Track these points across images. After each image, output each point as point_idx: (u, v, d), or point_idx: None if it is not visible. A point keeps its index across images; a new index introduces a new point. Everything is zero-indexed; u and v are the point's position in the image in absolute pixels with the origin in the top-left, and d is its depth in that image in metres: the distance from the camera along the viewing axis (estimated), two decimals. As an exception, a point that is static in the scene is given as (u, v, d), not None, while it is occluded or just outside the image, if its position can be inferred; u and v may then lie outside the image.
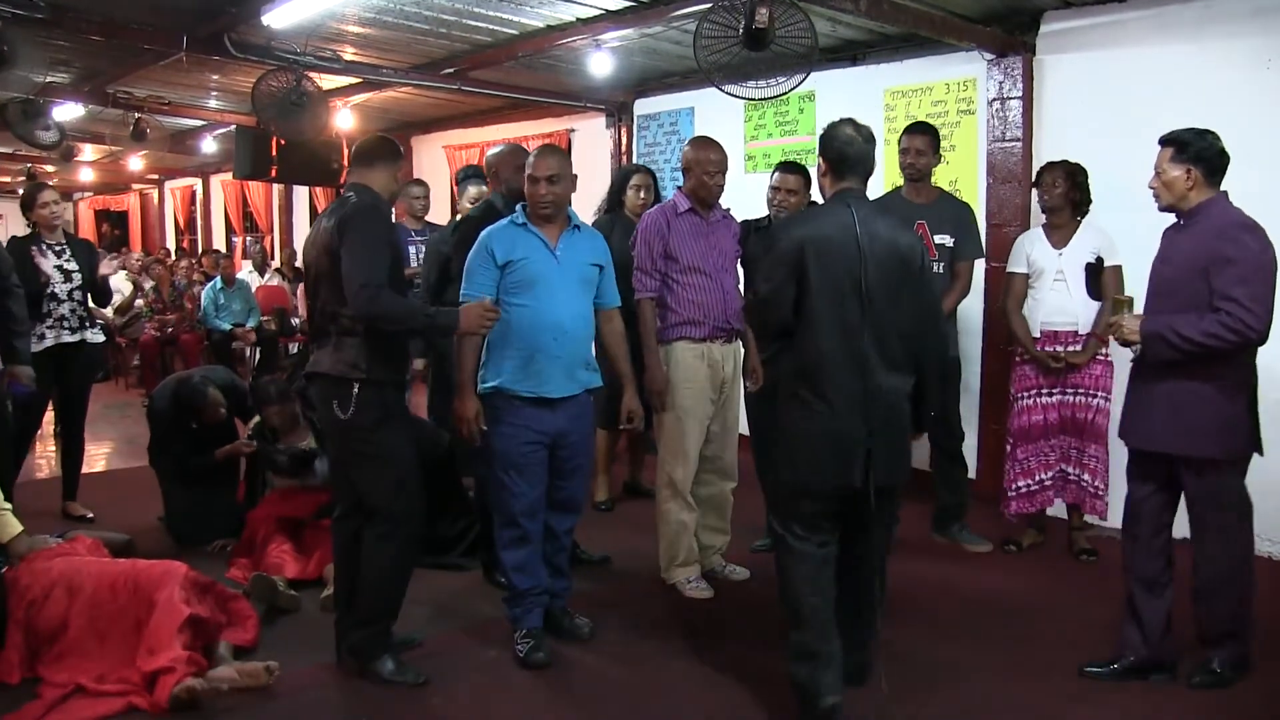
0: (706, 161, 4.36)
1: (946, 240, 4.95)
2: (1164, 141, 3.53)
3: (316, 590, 4.33)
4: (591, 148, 8.58)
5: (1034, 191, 5.03)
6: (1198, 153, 3.43)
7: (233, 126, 8.75)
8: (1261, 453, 3.53)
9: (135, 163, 13.65)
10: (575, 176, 3.87)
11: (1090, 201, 4.88)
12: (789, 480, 3.22)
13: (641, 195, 5.43)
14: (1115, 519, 5.18)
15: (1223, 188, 3.59)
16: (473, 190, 5.33)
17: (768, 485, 3.85)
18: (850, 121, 3.46)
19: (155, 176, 16.62)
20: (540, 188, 3.72)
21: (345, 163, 7.82)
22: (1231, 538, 3.49)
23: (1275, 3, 4.80)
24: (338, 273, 3.34)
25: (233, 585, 4.28)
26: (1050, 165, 4.90)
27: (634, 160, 8.27)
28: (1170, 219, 3.61)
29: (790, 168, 4.81)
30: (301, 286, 10.08)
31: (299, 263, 12.57)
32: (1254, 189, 4.86)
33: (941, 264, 4.92)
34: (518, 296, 3.69)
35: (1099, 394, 4.80)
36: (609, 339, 4.04)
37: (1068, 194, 4.82)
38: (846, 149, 3.40)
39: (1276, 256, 3.33)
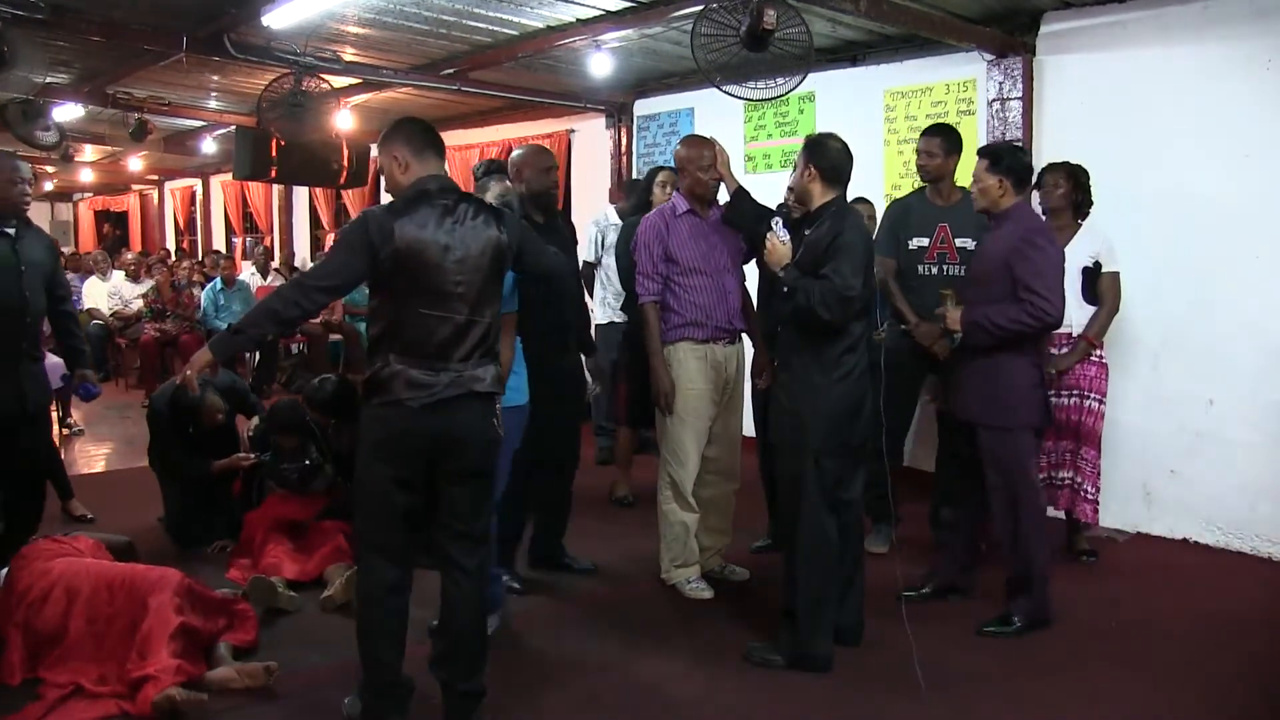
0: (699, 158, 4.35)
1: (968, 244, 4.79)
2: (981, 154, 4.08)
3: (316, 591, 4.32)
4: (591, 148, 8.58)
5: (1035, 193, 5.01)
6: (1009, 166, 3.99)
7: (233, 127, 8.74)
8: (1051, 423, 4.20)
9: (135, 163, 13.65)
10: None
11: (1092, 203, 4.86)
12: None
13: (668, 192, 5.40)
14: (1113, 520, 5.24)
15: (1205, 185, 4.77)
16: (495, 187, 5.29)
17: (772, 485, 3.89)
18: (835, 135, 3.86)
19: (155, 177, 16.61)
20: None
21: (345, 163, 7.82)
22: (1023, 499, 3.96)
23: (1275, 4, 4.80)
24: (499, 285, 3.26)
25: (232, 586, 4.28)
26: (1052, 166, 4.88)
27: (634, 161, 8.28)
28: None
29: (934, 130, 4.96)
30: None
31: (298, 262, 12.63)
32: (1254, 188, 4.91)
33: (962, 267, 4.76)
34: None
35: (1092, 395, 4.79)
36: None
37: (1069, 195, 4.81)
38: (840, 161, 3.78)
39: (1063, 254, 4.03)
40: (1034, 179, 4.91)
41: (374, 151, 8.66)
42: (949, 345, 4.07)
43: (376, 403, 3.07)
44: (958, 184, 4.94)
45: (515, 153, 4.53)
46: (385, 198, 6.42)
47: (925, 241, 4.87)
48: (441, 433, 3.07)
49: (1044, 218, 4.87)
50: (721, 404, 4.44)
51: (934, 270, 4.87)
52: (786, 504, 3.80)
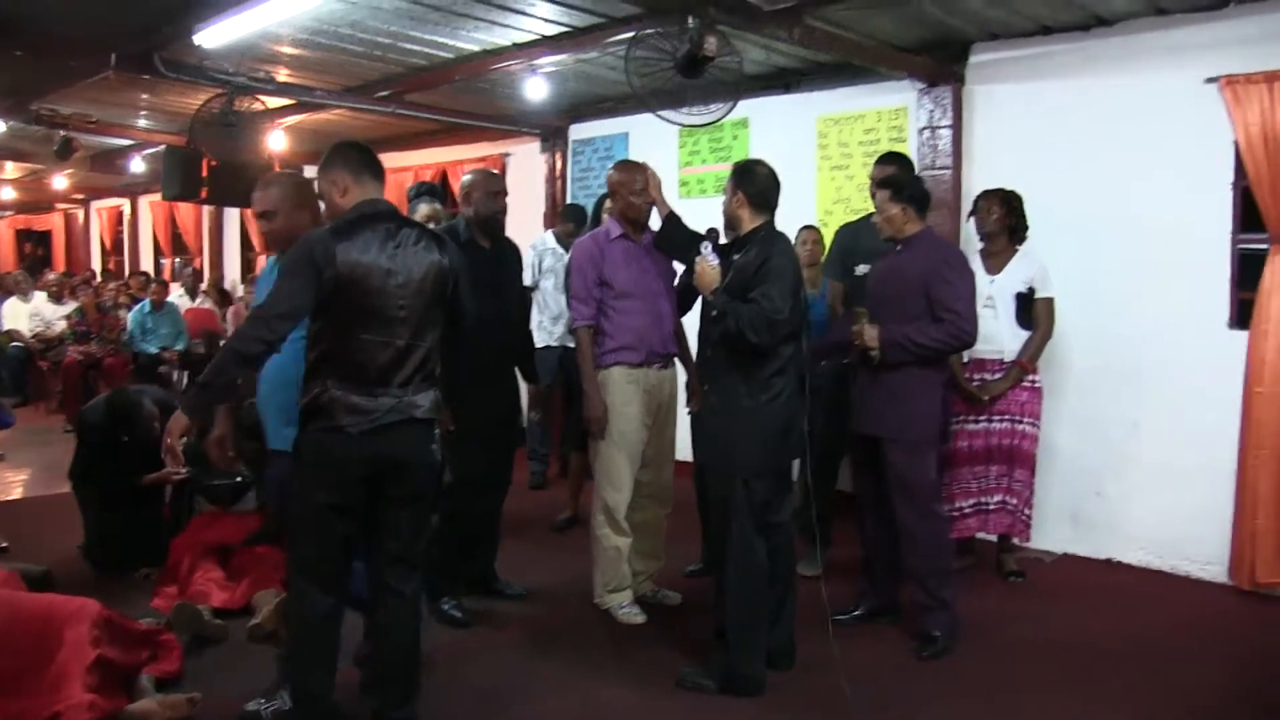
0: (631, 182, 4.39)
1: None
2: (882, 185, 4.23)
3: (244, 619, 4.22)
4: (527, 172, 8.55)
5: (971, 219, 5.10)
6: (910, 194, 4.14)
7: (162, 146, 8.59)
8: (948, 440, 4.52)
9: (60, 181, 13.34)
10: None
11: (1027, 228, 4.95)
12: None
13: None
14: (1040, 541, 5.31)
15: (1130, 211, 5.10)
16: (424, 209, 5.24)
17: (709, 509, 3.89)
18: (761, 161, 3.94)
19: (81, 196, 16.25)
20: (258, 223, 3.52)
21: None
22: (927, 513, 4.08)
23: (1188, 39, 4.96)
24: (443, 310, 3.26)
25: (156, 616, 4.16)
26: (986, 193, 4.98)
27: (568, 185, 8.28)
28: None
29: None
30: (233, 309, 9.93)
31: (228, 285, 12.43)
32: (1177, 213, 5.05)
33: None
34: None
35: (1026, 420, 4.86)
36: None
37: (1003, 221, 4.91)
38: (768, 187, 3.86)
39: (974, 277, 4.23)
40: (973, 206, 5.06)
41: (308, 173, 8.61)
42: (875, 360, 4.09)
43: (315, 428, 3.05)
44: None
45: (465, 177, 4.53)
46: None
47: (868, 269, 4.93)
48: (382, 458, 3.07)
49: (982, 243, 4.98)
50: (654, 428, 4.44)
51: None
52: (717, 527, 3.81)
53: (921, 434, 4.07)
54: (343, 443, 3.01)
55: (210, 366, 2.94)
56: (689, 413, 4.45)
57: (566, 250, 6.18)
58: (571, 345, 5.30)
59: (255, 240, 12.41)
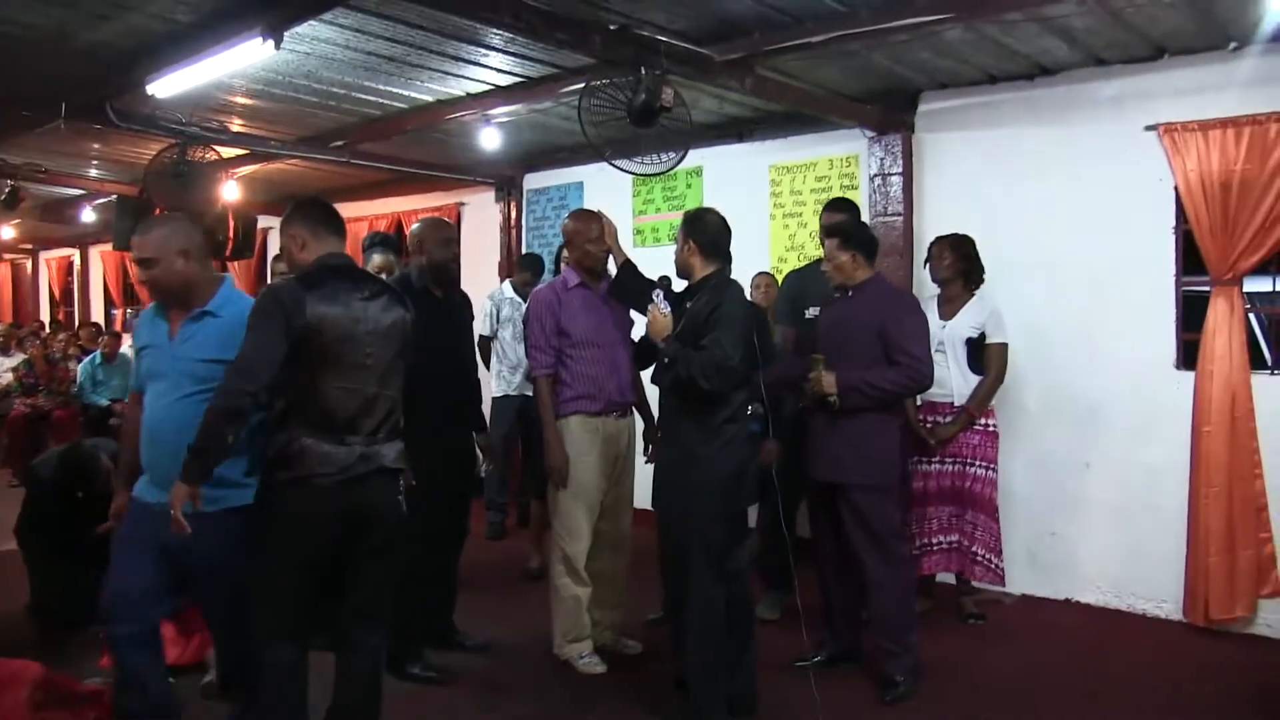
0: (586, 230, 4.41)
1: None
2: (829, 233, 4.28)
3: (197, 675, 4.13)
4: (481, 221, 8.56)
5: (927, 265, 5.16)
6: (859, 241, 4.18)
7: (114, 196, 8.50)
8: (909, 484, 4.71)
9: (7, 231, 13.15)
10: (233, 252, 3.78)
11: (982, 273, 5.00)
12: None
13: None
14: (1015, 584, 5.31)
15: (1077, 255, 5.26)
16: (378, 259, 5.21)
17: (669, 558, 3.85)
18: (712, 210, 3.99)
19: (29, 246, 16.03)
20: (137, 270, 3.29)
21: (231, 235, 7.65)
22: (892, 556, 4.07)
23: (1131, 89, 5.09)
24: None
25: (105, 675, 4.02)
26: (939, 239, 5.05)
27: (524, 234, 8.29)
28: None
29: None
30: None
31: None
32: (1120, 256, 5.14)
33: None
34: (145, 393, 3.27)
35: (978, 463, 4.89)
36: None
37: (955, 266, 4.96)
38: (718, 235, 3.88)
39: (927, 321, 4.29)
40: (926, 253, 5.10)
41: (261, 223, 8.55)
42: (834, 406, 4.08)
43: (284, 479, 3.02)
44: None
45: (415, 225, 4.52)
46: (271, 268, 6.29)
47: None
48: (354, 510, 3.08)
49: (939, 289, 5.02)
50: (613, 477, 4.43)
51: None
52: (673, 574, 3.79)
53: (882, 477, 4.07)
54: (313, 494, 3.00)
55: (201, 431, 2.88)
56: (646, 461, 4.44)
57: (524, 300, 6.17)
58: (530, 394, 5.28)
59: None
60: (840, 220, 4.59)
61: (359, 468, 3.06)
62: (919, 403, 4.93)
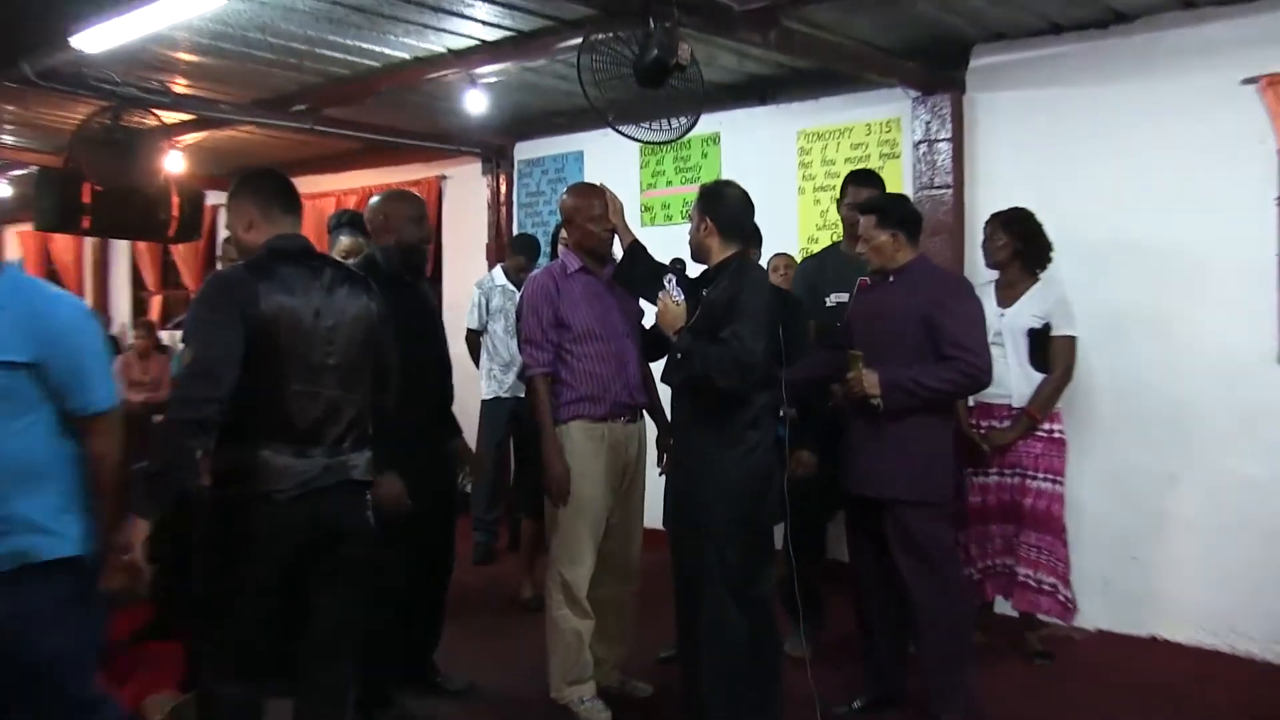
0: (587, 207, 4.38)
1: None
2: (865, 210, 4.23)
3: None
4: (466, 197, 8.57)
5: (982, 245, 5.13)
6: (899, 218, 4.15)
7: (34, 168, 8.47)
8: (963, 498, 4.55)
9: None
10: None
11: (1048, 253, 4.95)
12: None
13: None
14: (1088, 618, 5.25)
15: (1159, 233, 5.16)
16: (345, 241, 5.18)
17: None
18: (732, 183, 4.03)
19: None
20: None
21: (175, 213, 7.62)
22: (945, 581, 4.04)
23: (1221, 35, 5.02)
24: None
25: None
26: (994, 216, 5.02)
27: (514, 212, 8.28)
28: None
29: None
30: (121, 359, 9.76)
31: (116, 329, 12.26)
32: (1214, 234, 5.08)
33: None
34: None
35: (1042, 475, 4.83)
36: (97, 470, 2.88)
37: (1011, 247, 4.91)
38: (739, 212, 3.94)
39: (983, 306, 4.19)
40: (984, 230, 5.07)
41: (210, 200, 8.51)
42: (878, 408, 4.03)
43: (235, 497, 3.04)
44: None
45: (375, 200, 4.48)
46: (222, 252, 6.27)
47: (845, 296, 4.93)
48: (316, 527, 3.10)
49: (997, 274, 4.99)
50: (621, 492, 4.41)
51: None
52: (686, 600, 3.78)
53: (935, 492, 4.04)
54: (270, 510, 3.02)
55: (159, 450, 2.88)
56: (660, 474, 4.41)
57: (517, 288, 6.16)
58: (524, 396, 5.26)
59: (148, 277, 12.30)
60: (874, 195, 4.59)
61: (323, 479, 3.09)
62: (971, 404, 4.91)
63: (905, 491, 4.00)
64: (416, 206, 4.42)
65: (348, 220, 5.44)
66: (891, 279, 4.15)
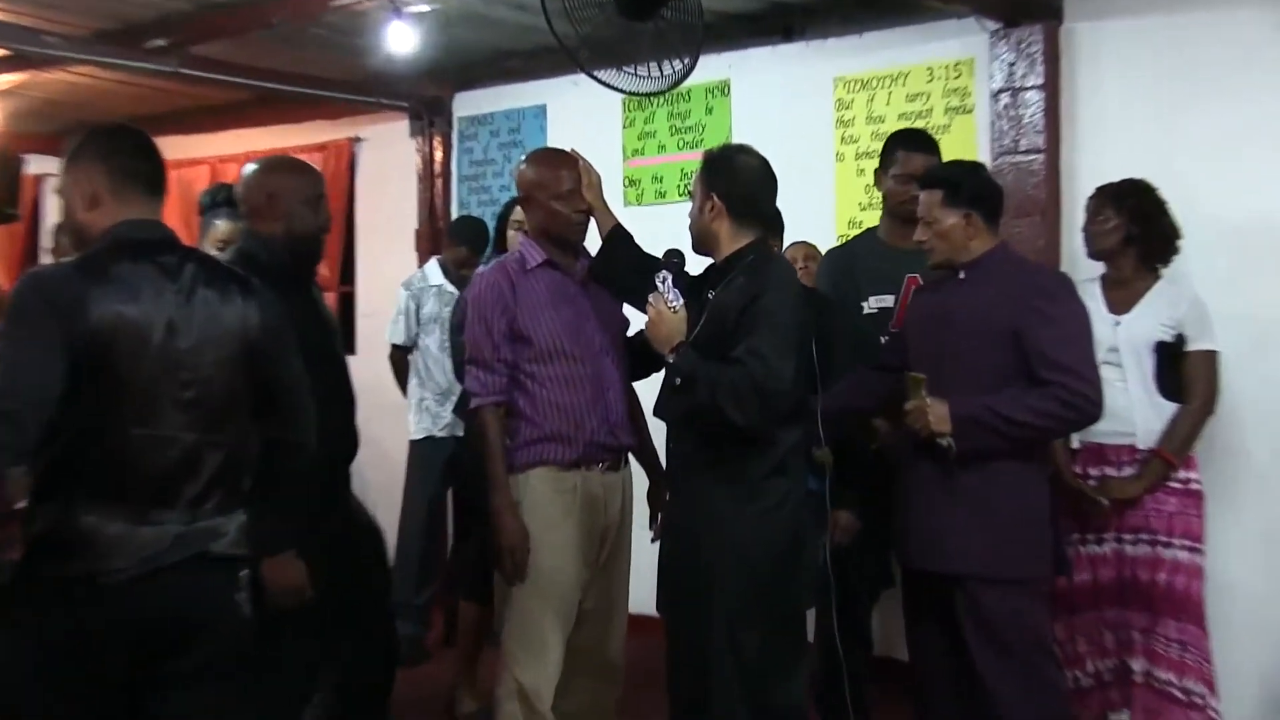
0: (554, 182, 4.36)
1: None
2: (927, 182, 4.28)
3: None
4: (388, 167, 8.59)
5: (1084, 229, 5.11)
6: (974, 193, 4.17)
7: None
8: (1067, 574, 4.39)
9: None
10: None
11: (1172, 240, 4.92)
12: None
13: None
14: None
15: None
16: (223, 226, 5.19)
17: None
18: (747, 149, 4.09)
19: None
20: None
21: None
22: (1037, 687, 4.03)
23: None
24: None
25: None
26: (1100, 190, 4.98)
27: (453, 185, 8.29)
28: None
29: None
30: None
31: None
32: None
33: None
34: None
35: (1176, 541, 4.76)
36: None
37: (1124, 231, 4.87)
38: (756, 187, 3.97)
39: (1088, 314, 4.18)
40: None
41: (33, 168, 8.50)
42: (949, 451, 4.01)
43: (53, 578, 2.98)
44: None
45: (253, 170, 4.33)
46: (54, 241, 6.27)
47: (890, 301, 4.96)
48: (160, 618, 3.02)
49: (1103, 267, 4.99)
50: (599, 563, 4.41)
51: None
52: (687, 710, 3.81)
53: (1026, 565, 4.02)
54: (95, 599, 2.94)
55: None
56: (652, 539, 4.42)
57: (459, 288, 6.16)
58: (465, 435, 5.27)
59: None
60: (940, 165, 4.59)
61: (171, 555, 3.01)
62: (1075, 445, 4.88)
63: (985, 565, 3.98)
64: (312, 182, 4.30)
65: (227, 199, 5.43)
66: (962, 275, 4.16)
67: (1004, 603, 3.97)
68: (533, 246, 4.43)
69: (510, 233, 5.51)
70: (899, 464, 4.23)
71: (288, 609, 3.56)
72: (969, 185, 4.16)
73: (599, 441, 4.35)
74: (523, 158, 4.61)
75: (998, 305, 4.03)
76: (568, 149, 4.53)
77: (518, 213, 5.36)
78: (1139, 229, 4.88)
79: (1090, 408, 3.95)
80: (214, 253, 4.87)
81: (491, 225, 6.81)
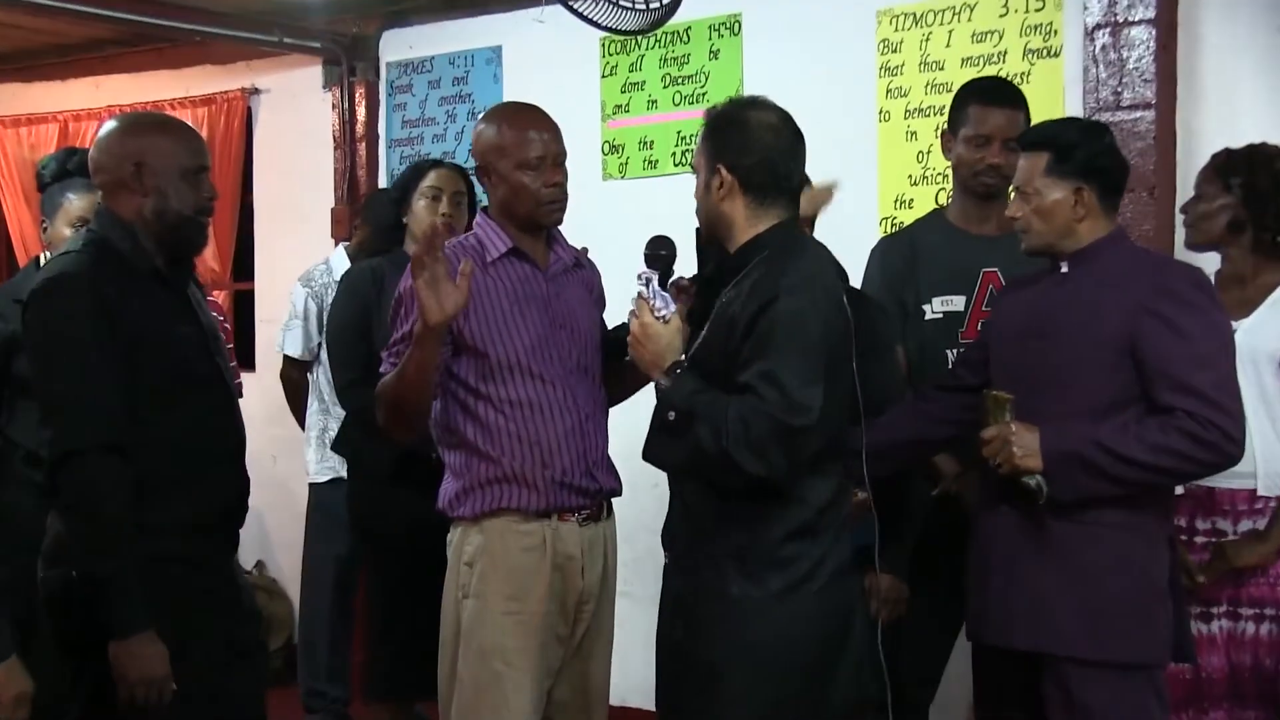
0: (523, 145, 4.30)
1: None
2: (1029, 144, 4.21)
3: None
4: (294, 126, 8.61)
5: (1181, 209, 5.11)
6: (1088, 162, 4.07)
7: None
8: (1190, 659, 4.36)
9: None
10: None
11: None
12: None
13: (447, 212, 5.45)
14: None
15: None
16: (78, 201, 5.19)
17: None
18: (764, 102, 3.98)
19: None
20: None
21: None
22: None
23: None
24: None
25: None
26: (1214, 158, 4.96)
27: (380, 150, 8.29)
28: None
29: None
30: None
31: None
32: None
33: None
34: None
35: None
36: None
37: (1240, 212, 4.83)
38: (781, 154, 3.88)
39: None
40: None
41: None
42: (1038, 494, 3.93)
43: None
44: None
45: (113, 129, 4.27)
46: None
47: (960, 303, 4.95)
48: None
49: (1221, 261, 4.97)
50: (574, 641, 4.41)
51: None
52: None
53: (1136, 646, 3.96)
54: None
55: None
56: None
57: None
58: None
59: None
60: (1049, 122, 4.47)
61: None
62: (1178, 491, 4.82)
63: (1082, 644, 3.93)
64: (192, 148, 4.20)
65: (78, 168, 5.41)
66: (1064, 268, 4.12)
67: (1105, 691, 3.92)
68: (495, 231, 4.37)
69: (419, 205, 5.49)
70: (971, 513, 4.22)
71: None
72: (1085, 150, 4.05)
73: (574, 484, 4.30)
74: (484, 115, 4.60)
75: (1111, 308, 3.97)
76: (532, 104, 4.50)
77: (435, 177, 5.45)
78: (1254, 212, 4.79)
79: (1229, 446, 3.84)
80: (67, 235, 4.89)
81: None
